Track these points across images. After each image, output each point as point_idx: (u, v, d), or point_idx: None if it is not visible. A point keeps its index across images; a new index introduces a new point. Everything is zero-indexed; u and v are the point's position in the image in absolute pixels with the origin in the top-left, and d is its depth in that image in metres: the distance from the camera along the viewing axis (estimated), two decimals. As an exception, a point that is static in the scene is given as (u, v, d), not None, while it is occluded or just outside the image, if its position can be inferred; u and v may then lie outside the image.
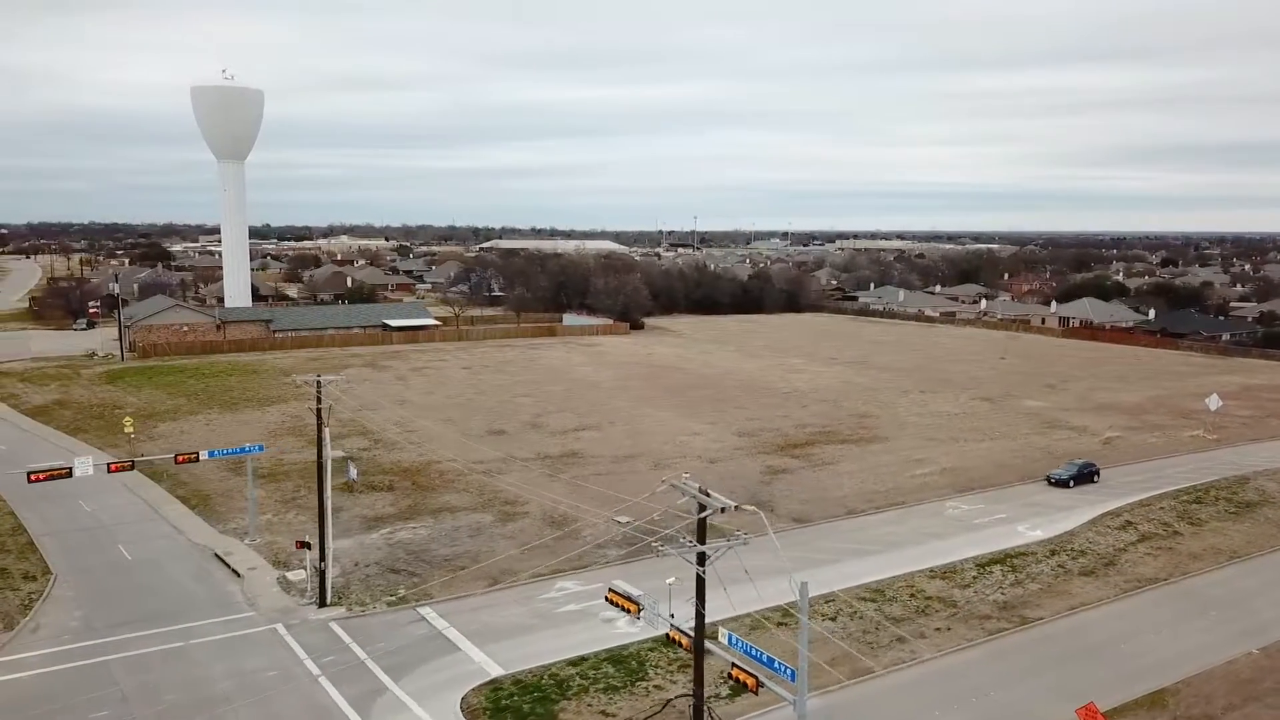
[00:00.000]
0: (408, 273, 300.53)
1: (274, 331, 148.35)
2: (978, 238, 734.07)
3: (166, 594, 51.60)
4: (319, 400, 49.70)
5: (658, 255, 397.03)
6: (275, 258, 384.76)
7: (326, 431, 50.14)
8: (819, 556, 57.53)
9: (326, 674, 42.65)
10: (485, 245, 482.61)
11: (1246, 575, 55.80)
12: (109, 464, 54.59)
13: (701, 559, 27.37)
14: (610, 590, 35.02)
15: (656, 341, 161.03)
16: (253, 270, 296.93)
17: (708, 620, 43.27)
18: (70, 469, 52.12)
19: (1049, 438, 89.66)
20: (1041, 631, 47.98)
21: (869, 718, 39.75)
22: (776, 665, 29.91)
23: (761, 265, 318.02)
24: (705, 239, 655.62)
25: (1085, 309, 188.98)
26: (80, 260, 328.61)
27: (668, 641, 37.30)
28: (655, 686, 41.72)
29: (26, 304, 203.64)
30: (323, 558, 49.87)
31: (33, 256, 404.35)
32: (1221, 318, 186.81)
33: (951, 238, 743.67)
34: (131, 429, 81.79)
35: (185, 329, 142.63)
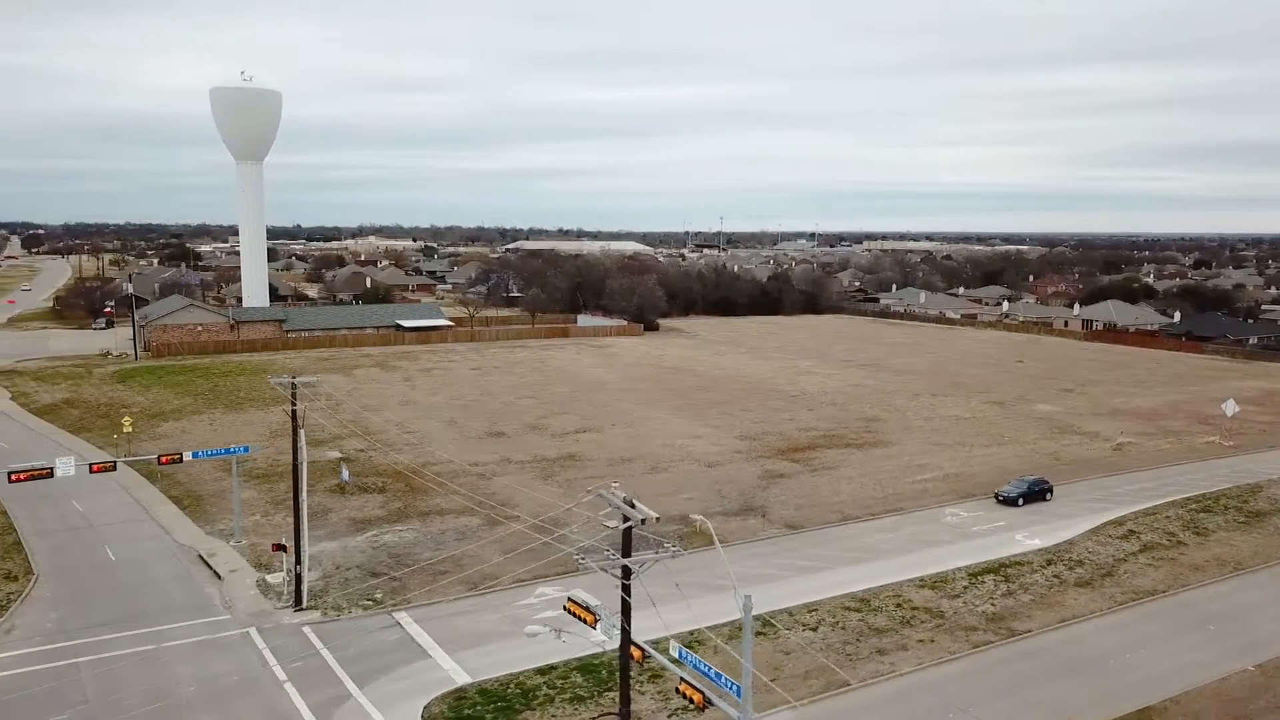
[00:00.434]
0: (430, 273, 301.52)
1: (287, 331, 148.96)
2: (1008, 239, 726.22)
3: (145, 596, 51.40)
4: (293, 401, 49.26)
5: (682, 256, 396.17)
6: (300, 258, 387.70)
7: (302, 434, 49.75)
8: (806, 564, 56.39)
9: (292, 679, 42.16)
10: (511, 246, 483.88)
11: (1249, 588, 53.93)
12: (90, 464, 54.44)
13: (626, 573, 26.35)
14: (570, 600, 34.17)
15: (669, 343, 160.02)
16: (277, 270, 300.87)
17: (678, 631, 42.88)
18: (52, 469, 52.05)
19: (1058, 443, 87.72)
20: (1029, 645, 46.53)
21: (839, 733, 38.65)
22: (724, 680, 28.90)
23: (786, 266, 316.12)
24: (732, 240, 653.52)
25: (1109, 311, 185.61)
26: (110, 260, 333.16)
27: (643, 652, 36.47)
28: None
29: (52, 303, 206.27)
30: (299, 561, 49.46)
31: (66, 257, 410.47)
32: (1250, 320, 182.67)
33: (982, 239, 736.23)
34: (130, 428, 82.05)
35: (199, 329, 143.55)
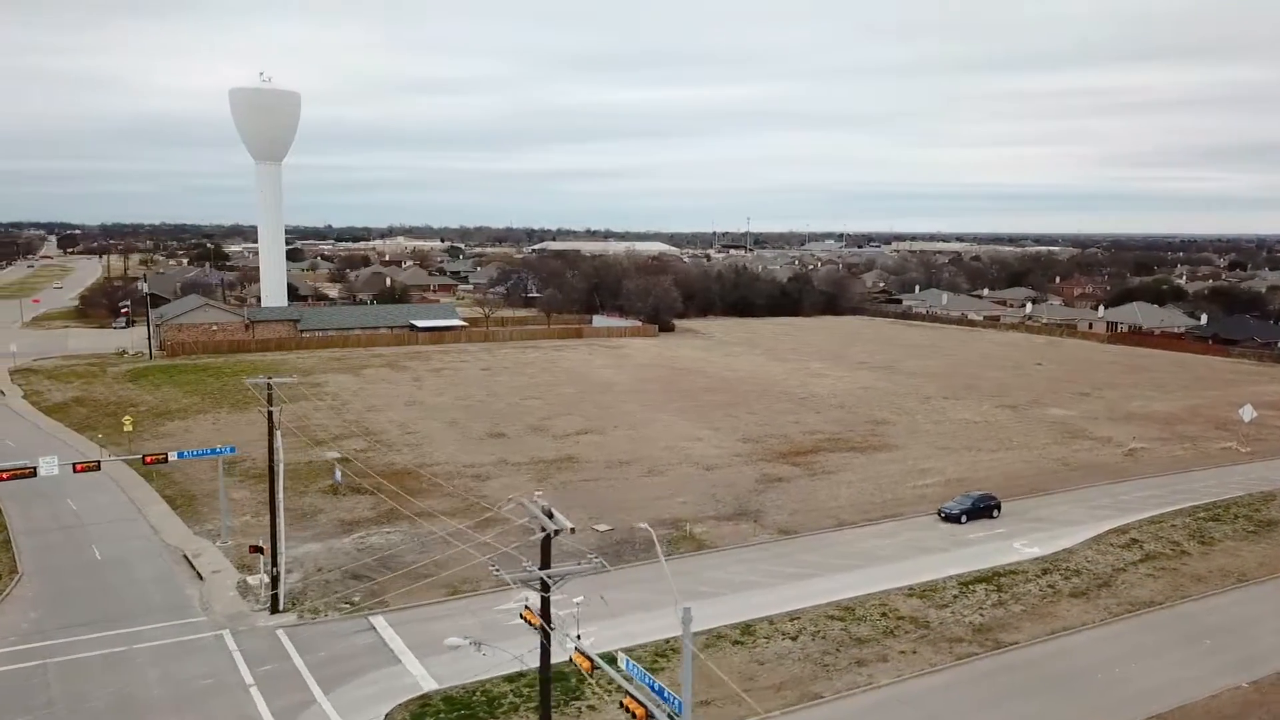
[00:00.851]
0: (454, 274, 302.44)
1: (301, 331, 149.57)
2: (1040, 240, 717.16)
3: (125, 596, 51.27)
4: (269, 402, 48.92)
5: (707, 257, 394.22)
6: (326, 258, 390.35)
7: (278, 434, 49.36)
8: (795, 570, 55.25)
9: (260, 684, 41.74)
10: (538, 247, 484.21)
11: (1251, 601, 52.12)
12: (74, 464, 54.48)
13: (544, 585, 25.51)
14: (525, 608, 33.42)
15: (683, 344, 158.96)
16: (302, 270, 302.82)
17: (647, 641, 42.11)
18: (35, 469, 52.16)
19: (1068, 448, 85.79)
20: (1014, 657, 45.15)
21: (807, 747, 37.61)
22: (666, 695, 28.01)
23: (811, 267, 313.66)
24: (760, 240, 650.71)
25: (1134, 313, 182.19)
26: (140, 260, 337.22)
27: (610, 661, 35.68)
28: (589, 706, 40.03)
29: (77, 303, 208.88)
30: (275, 563, 49.09)
31: (100, 257, 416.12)
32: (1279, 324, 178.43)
33: (1013, 240, 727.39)
34: (130, 427, 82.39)
35: (214, 328, 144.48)
